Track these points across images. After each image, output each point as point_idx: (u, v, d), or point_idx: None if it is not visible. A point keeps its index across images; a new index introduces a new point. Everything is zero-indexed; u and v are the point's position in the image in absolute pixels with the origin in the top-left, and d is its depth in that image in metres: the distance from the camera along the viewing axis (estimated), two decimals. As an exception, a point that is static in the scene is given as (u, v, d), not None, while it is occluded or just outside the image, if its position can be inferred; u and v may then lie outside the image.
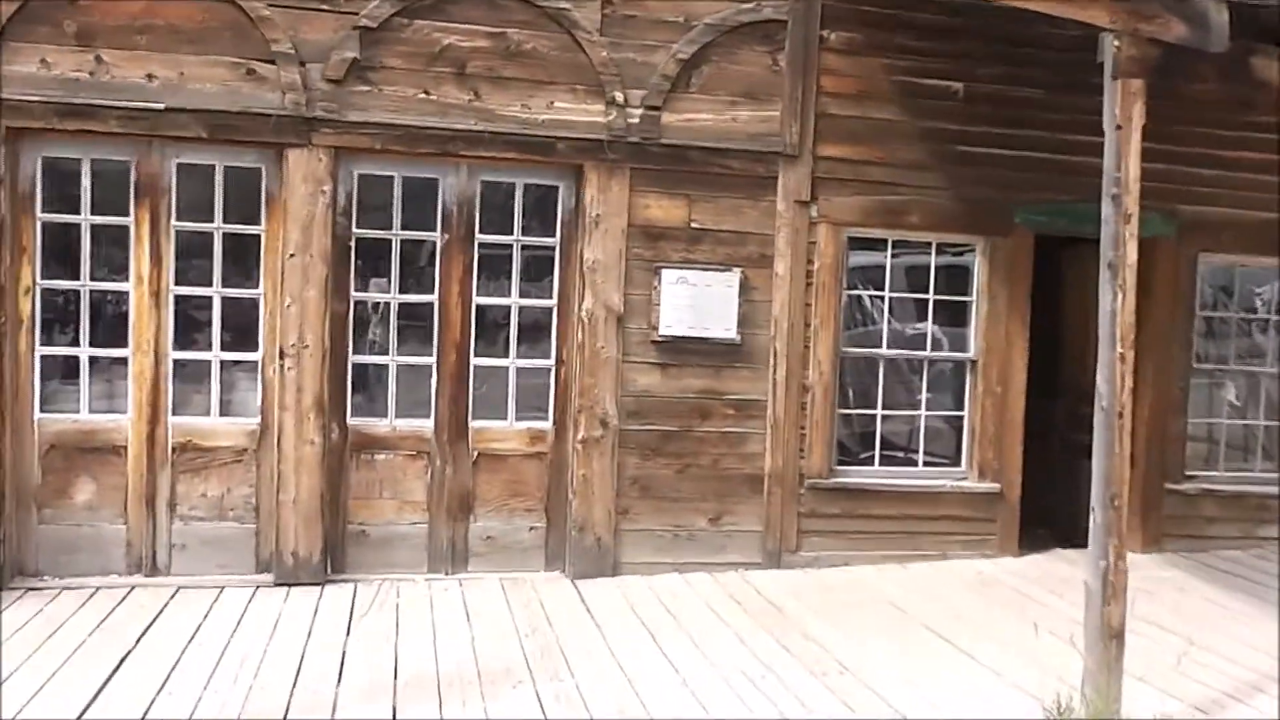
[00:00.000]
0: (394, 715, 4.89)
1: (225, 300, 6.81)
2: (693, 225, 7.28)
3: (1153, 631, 6.09)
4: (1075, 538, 8.38)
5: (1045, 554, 8.03)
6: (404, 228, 7.05)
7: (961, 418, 7.87)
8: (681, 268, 7.25)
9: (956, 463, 7.89)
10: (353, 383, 7.04)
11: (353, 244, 6.98)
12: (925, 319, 7.81)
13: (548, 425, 7.30)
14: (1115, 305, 4.52)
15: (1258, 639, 6.17)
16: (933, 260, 7.74)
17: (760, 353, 7.40)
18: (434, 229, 7.08)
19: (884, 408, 7.78)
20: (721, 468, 7.38)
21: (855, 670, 5.55)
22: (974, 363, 7.81)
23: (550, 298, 7.28)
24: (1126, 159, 4.57)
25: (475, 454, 7.19)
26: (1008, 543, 7.86)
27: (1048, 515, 8.28)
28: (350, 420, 7.02)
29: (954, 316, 7.88)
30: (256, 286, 6.81)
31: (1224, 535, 8.20)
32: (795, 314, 7.40)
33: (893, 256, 7.68)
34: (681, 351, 7.29)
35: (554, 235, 7.26)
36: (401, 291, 7.08)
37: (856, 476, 7.65)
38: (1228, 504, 8.27)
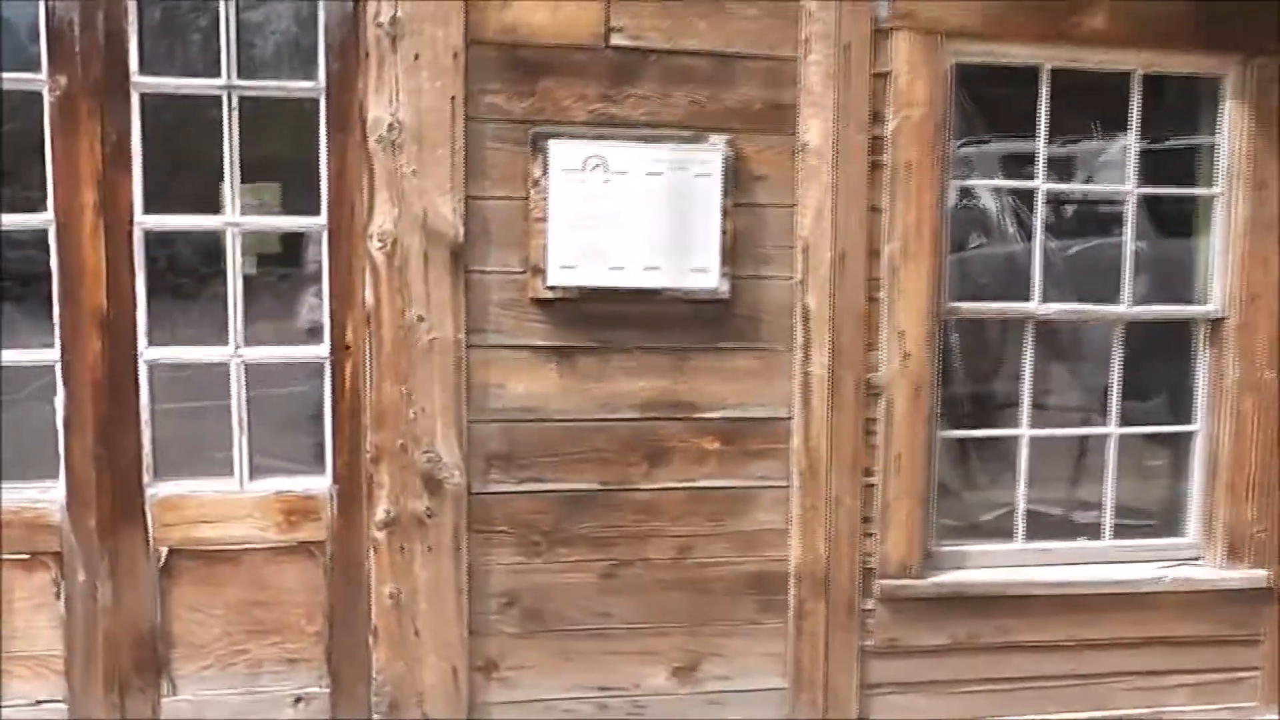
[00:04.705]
0: None
1: None
2: (614, 41, 3.29)
3: None
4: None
5: (1343, 697, 4.10)
6: (-37, 61, 3.14)
7: (1188, 437, 3.88)
8: (593, 136, 3.28)
9: (1175, 529, 3.91)
10: None
11: None
12: (1120, 237, 3.77)
13: (321, 486, 3.40)
14: None
15: None
16: (1134, 113, 3.70)
17: (773, 319, 3.44)
18: (35, 66, 3.15)
19: (1034, 424, 3.77)
20: (696, 564, 3.48)
21: None
22: (1216, 323, 3.80)
23: (316, 212, 3.33)
24: None
25: (163, 553, 3.31)
26: (1275, 684, 3.91)
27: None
28: None
29: (1171, 232, 3.88)
30: None
31: None
32: (847, 233, 3.43)
33: (1051, 103, 3.64)
34: (601, 321, 3.36)
35: (313, 75, 3.30)
36: (-32, 206, 3.18)
37: (977, 569, 3.69)
38: None
